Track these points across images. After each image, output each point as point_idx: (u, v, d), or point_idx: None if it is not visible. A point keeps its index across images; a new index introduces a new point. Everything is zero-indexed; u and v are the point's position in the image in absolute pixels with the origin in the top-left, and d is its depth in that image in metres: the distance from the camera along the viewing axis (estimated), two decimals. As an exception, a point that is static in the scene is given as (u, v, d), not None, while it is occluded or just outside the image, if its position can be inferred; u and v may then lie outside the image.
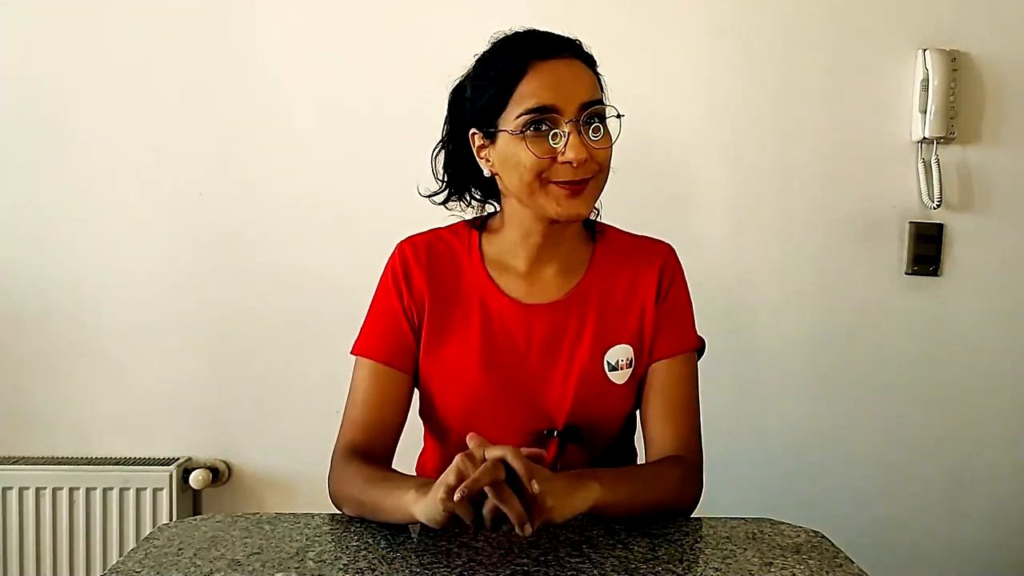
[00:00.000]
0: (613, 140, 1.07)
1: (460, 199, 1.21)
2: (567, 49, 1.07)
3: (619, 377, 1.12)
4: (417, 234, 1.19)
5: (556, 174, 1.03)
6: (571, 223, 1.11)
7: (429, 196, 1.20)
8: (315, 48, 1.84)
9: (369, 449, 1.11)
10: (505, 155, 1.06)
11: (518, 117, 1.03)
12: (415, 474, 1.22)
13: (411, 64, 1.83)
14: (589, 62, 1.09)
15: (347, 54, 1.84)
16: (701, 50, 1.84)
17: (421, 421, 1.22)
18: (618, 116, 1.08)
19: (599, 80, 1.09)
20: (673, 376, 1.15)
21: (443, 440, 1.19)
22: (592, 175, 1.05)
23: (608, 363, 1.12)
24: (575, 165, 1.02)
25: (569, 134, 1.02)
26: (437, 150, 1.19)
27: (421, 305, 1.14)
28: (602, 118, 1.06)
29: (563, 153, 1.02)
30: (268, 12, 1.84)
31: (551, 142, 1.03)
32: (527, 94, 1.03)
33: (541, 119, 1.03)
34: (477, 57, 1.12)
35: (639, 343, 1.14)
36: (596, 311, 1.13)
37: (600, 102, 1.06)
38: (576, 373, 1.11)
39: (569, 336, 1.12)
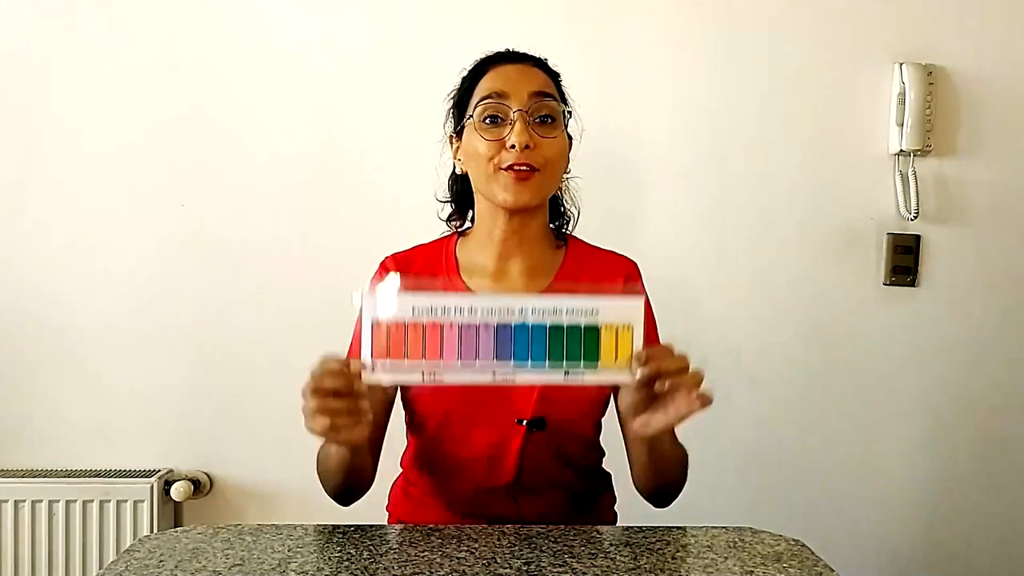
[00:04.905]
0: (567, 138, 1.17)
1: (464, 216, 1.28)
2: (529, 60, 1.18)
3: None
4: (398, 251, 1.25)
5: (504, 160, 1.11)
6: (519, 211, 1.15)
7: (447, 220, 1.29)
8: (302, 56, 1.84)
9: None
10: (466, 147, 1.16)
11: (475, 107, 1.14)
12: (400, 469, 1.28)
13: (398, 76, 1.84)
14: (551, 74, 1.19)
15: (335, 61, 1.85)
16: (678, 63, 1.86)
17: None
18: (569, 113, 1.17)
19: (559, 89, 1.18)
20: None
21: (420, 432, 1.22)
22: (540, 166, 1.11)
23: None
24: (519, 149, 1.09)
25: (516, 122, 1.11)
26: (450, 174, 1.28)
27: None
28: (554, 119, 1.14)
29: (509, 138, 1.10)
30: (257, 17, 1.84)
31: (503, 133, 1.11)
32: (484, 88, 1.15)
33: (495, 112, 1.12)
34: None
35: None
36: None
37: (551, 96, 1.14)
38: None
39: None
